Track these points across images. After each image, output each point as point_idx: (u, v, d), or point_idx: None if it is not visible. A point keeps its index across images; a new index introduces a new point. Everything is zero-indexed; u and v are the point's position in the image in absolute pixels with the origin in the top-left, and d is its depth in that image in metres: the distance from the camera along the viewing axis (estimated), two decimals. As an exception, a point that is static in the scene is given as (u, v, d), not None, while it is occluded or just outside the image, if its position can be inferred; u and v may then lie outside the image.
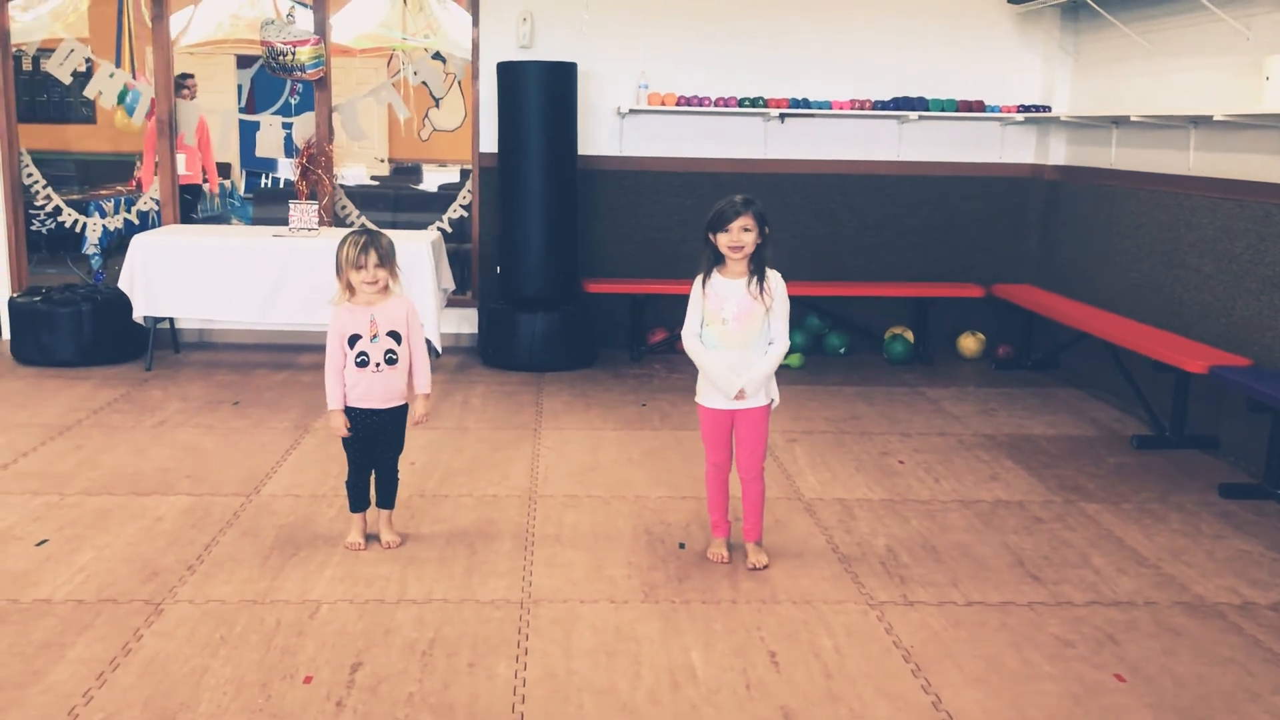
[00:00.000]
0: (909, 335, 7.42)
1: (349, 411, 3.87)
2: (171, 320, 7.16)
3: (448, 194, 8.83)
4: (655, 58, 7.27)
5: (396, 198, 9.26)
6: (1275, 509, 4.63)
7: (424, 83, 7.65)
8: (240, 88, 12.16)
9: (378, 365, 3.83)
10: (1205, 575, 3.92)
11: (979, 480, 4.90)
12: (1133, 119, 6.05)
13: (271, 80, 8.01)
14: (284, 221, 6.93)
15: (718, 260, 3.73)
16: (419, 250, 6.51)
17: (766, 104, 7.19)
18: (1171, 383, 5.49)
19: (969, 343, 7.50)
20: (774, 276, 3.74)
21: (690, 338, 3.81)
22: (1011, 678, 3.14)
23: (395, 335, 3.85)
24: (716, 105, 7.19)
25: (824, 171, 7.50)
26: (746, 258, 3.69)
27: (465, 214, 7.68)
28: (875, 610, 3.57)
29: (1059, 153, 7.37)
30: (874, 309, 7.61)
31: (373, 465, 3.99)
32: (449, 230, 7.68)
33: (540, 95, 6.70)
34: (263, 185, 11.90)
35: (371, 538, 4.03)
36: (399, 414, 3.95)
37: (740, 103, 7.19)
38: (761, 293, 3.69)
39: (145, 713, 2.85)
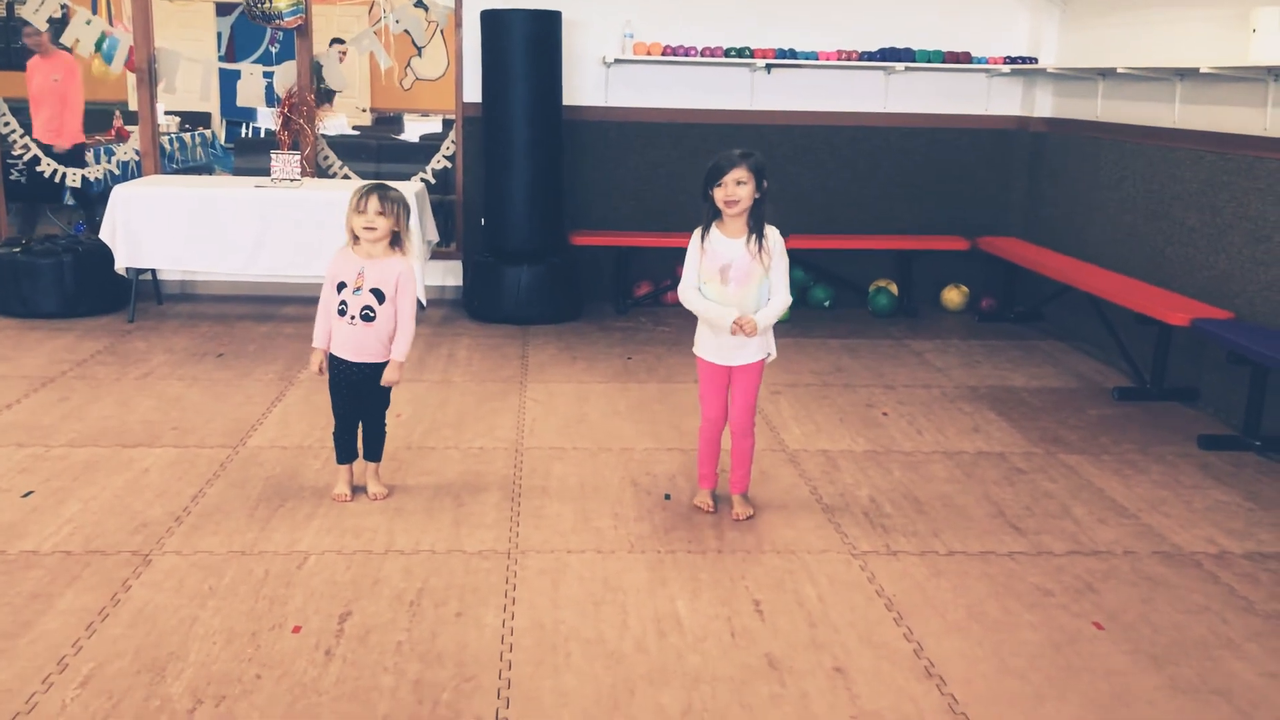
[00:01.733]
0: (893, 288, 7.43)
1: (331, 358, 3.90)
2: (154, 271, 7.11)
3: (431, 144, 8.76)
4: (641, 6, 7.19)
5: (379, 148, 9.18)
6: (1253, 460, 4.69)
7: (406, 31, 7.56)
8: (220, 35, 11.99)
9: (352, 318, 3.81)
10: (1183, 525, 3.98)
11: (961, 431, 4.94)
12: (1119, 71, 6.03)
13: (252, 28, 7.91)
14: (266, 172, 6.87)
15: (716, 215, 3.68)
16: (403, 201, 6.48)
17: (753, 54, 7.14)
18: (1153, 335, 5.53)
19: (953, 295, 7.52)
20: (772, 233, 3.70)
21: (688, 290, 3.77)
22: (992, 626, 3.19)
23: (378, 293, 3.82)
24: (703, 55, 7.13)
25: (810, 123, 7.47)
26: (744, 213, 3.65)
27: (449, 165, 7.63)
28: (858, 560, 3.61)
29: (1045, 105, 7.36)
30: (859, 261, 7.61)
31: (357, 417, 4.00)
32: (432, 181, 7.63)
33: (524, 44, 6.64)
34: (244, 135, 11.78)
35: (359, 489, 4.04)
36: (375, 371, 3.91)
37: (726, 53, 7.14)
38: (760, 251, 3.66)
39: (135, 662, 2.87)
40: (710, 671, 2.91)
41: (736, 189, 3.59)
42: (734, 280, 3.68)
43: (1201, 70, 5.25)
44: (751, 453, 3.94)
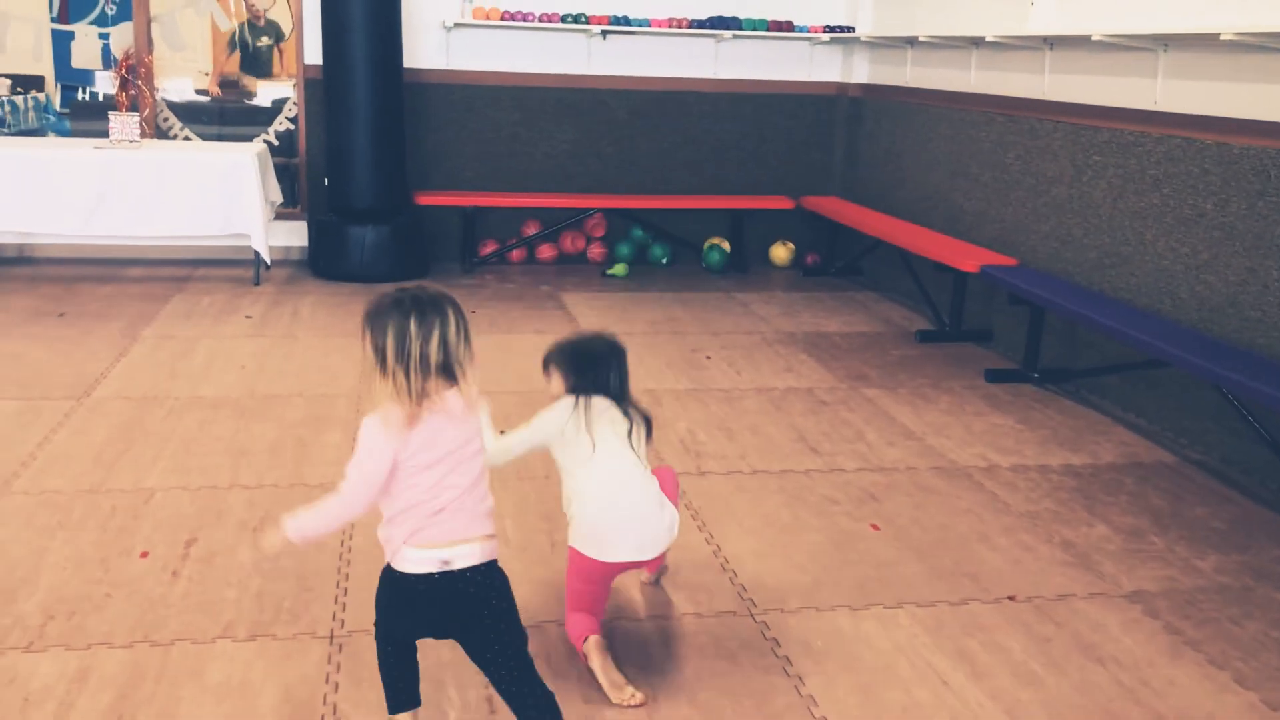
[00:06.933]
0: (725, 245, 7.86)
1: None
2: (-12, 235, 7.04)
3: (275, 106, 8.80)
4: (479, -27, 7.40)
5: (221, 111, 9.15)
6: (1030, 390, 5.25)
7: (246, -7, 7.60)
8: (51, -5, 11.64)
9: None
10: (961, 445, 4.48)
11: (775, 371, 5.38)
12: (922, 39, 6.54)
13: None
14: (104, 134, 6.87)
15: None
16: (244, 162, 6.59)
17: (589, 20, 7.43)
18: (951, 282, 6.07)
19: (780, 251, 8.00)
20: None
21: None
22: (782, 529, 3.61)
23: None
24: (541, 20, 7.39)
25: (645, 88, 7.81)
26: None
27: (292, 127, 7.73)
28: (671, 481, 3.98)
29: (862, 71, 7.86)
30: (694, 221, 8.01)
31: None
32: (275, 143, 7.72)
33: (364, 7, 6.78)
34: (80, 99, 11.51)
35: None
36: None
37: (563, 19, 7.41)
38: None
39: (-13, 588, 3.05)
40: (529, 576, 3.24)
41: None
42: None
43: (988, 39, 5.77)
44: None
